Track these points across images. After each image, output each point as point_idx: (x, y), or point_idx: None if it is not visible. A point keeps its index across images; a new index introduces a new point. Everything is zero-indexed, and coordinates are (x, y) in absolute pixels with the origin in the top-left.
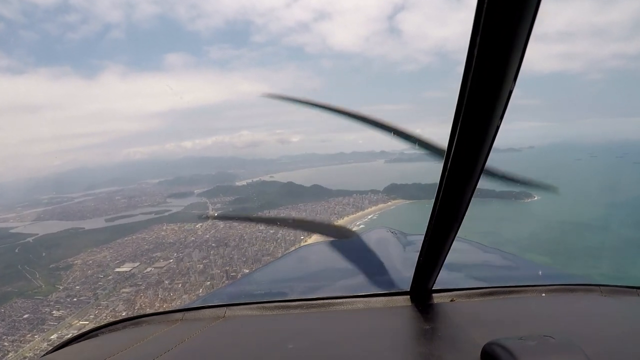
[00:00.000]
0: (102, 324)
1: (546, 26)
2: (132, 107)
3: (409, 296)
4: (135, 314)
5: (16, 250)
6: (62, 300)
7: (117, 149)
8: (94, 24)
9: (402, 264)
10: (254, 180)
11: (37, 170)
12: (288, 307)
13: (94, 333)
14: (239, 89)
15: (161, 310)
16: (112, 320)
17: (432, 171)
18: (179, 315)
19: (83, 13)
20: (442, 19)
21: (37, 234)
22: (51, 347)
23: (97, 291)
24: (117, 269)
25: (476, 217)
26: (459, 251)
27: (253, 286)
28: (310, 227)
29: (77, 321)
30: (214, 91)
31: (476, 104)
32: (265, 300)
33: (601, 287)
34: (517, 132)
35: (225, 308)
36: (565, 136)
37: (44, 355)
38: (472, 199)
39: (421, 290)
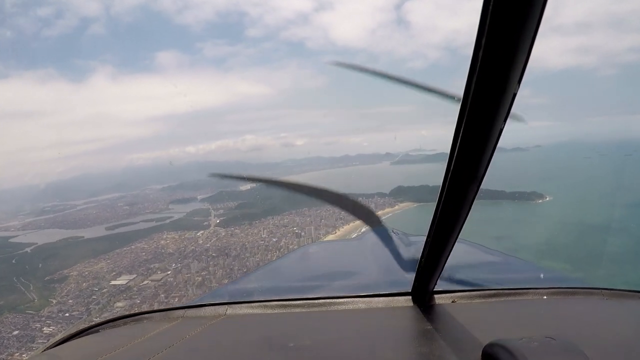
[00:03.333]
0: (103, 320)
1: (564, 17)
2: (129, 112)
3: (410, 297)
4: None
5: (13, 261)
6: (53, 316)
7: (120, 155)
8: (70, 19)
9: (404, 265)
10: (258, 184)
11: (41, 177)
12: (289, 306)
13: (94, 329)
14: (238, 91)
15: (162, 307)
16: (113, 316)
17: (439, 173)
18: (180, 312)
19: (56, 6)
20: (454, 8)
21: (36, 244)
22: (52, 343)
23: (90, 306)
24: (113, 282)
25: (488, 220)
26: (460, 252)
27: (254, 285)
28: (333, 199)
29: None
30: (213, 93)
31: (480, 106)
32: (266, 299)
33: (603, 291)
34: (523, 131)
35: (226, 306)
36: (571, 134)
37: (44, 350)
38: (483, 200)
39: (422, 291)
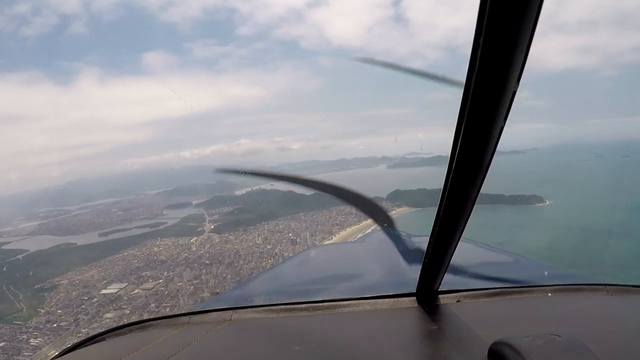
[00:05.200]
0: (109, 328)
1: (568, 14)
2: (120, 116)
3: (415, 297)
4: (141, 319)
5: (4, 269)
6: (41, 327)
7: (115, 160)
8: (48, 16)
9: (408, 266)
10: (254, 188)
11: (36, 182)
12: (294, 309)
13: (100, 337)
14: (232, 94)
15: (167, 314)
16: (118, 324)
17: (436, 176)
18: (185, 318)
19: (31, 3)
20: (454, 4)
21: (28, 250)
22: (58, 353)
23: (79, 316)
24: (103, 291)
25: (488, 225)
26: (464, 252)
27: (259, 289)
28: (343, 195)
29: (53, 351)
30: (206, 97)
31: (480, 105)
32: (271, 303)
33: (607, 287)
34: (520, 134)
35: (231, 311)
36: (567, 137)
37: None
38: (482, 205)
39: (427, 292)
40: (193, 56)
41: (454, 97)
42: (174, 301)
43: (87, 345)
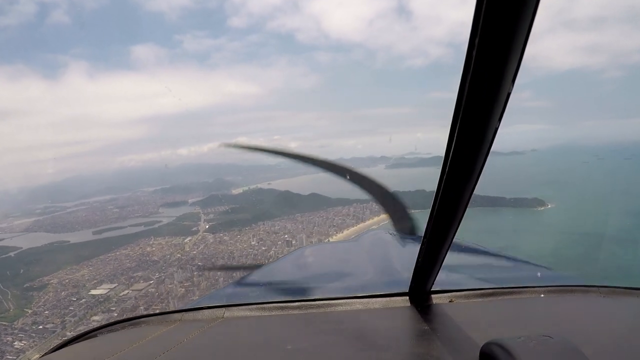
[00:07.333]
0: (101, 324)
1: (578, 10)
2: (113, 112)
3: (407, 297)
4: (134, 315)
5: None
6: (27, 328)
7: (111, 157)
8: (26, 4)
9: (401, 265)
10: (251, 187)
11: (33, 178)
12: (287, 307)
13: (92, 334)
14: (226, 91)
15: (159, 311)
16: (110, 321)
17: (435, 177)
18: (177, 316)
19: None
20: None
21: (21, 248)
22: (50, 348)
23: (66, 318)
24: (93, 291)
25: (490, 229)
26: (457, 252)
27: (252, 287)
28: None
29: (37, 355)
30: (199, 93)
31: (474, 106)
32: (264, 301)
33: (600, 288)
34: (518, 134)
35: (224, 309)
36: (566, 138)
37: (42, 355)
38: (480, 208)
39: (420, 291)
40: (183, 49)
41: (454, 97)
42: (163, 304)
43: (79, 342)
